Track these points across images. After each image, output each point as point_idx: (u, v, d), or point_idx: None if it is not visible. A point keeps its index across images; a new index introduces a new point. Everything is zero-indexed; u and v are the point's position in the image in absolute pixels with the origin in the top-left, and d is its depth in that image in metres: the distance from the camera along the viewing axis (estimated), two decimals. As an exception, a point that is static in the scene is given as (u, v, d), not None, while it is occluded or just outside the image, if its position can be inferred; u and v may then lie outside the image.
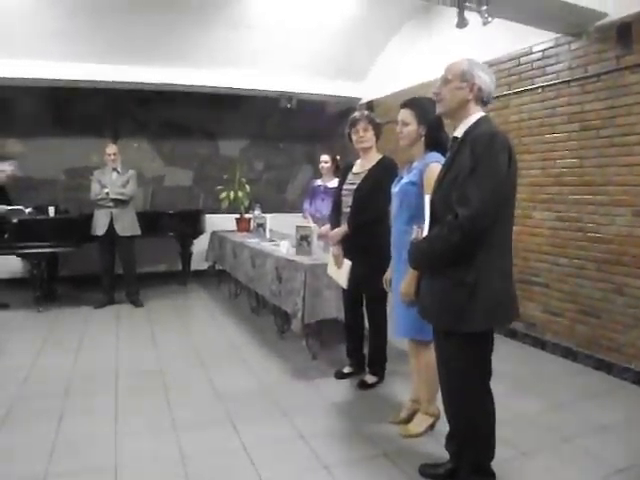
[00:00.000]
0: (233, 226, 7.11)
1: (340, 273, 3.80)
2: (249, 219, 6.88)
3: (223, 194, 7.03)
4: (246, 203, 7.07)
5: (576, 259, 4.37)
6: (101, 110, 7.56)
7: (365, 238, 3.62)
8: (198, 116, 8.06)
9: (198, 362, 4.45)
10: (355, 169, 3.84)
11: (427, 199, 2.33)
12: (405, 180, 3.03)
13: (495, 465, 2.44)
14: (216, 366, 4.34)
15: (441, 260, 2.22)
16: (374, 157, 3.73)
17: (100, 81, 6.71)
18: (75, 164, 7.41)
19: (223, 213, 7.46)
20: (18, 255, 6.17)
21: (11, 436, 3.11)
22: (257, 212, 6.64)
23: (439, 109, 2.40)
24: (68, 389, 3.83)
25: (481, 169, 2.08)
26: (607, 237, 4.10)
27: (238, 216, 7.05)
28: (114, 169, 6.21)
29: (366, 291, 3.75)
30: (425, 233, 2.28)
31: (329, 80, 7.53)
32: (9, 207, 5.89)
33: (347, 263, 3.72)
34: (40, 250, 5.94)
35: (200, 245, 7.66)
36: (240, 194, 7.00)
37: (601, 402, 3.61)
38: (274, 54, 6.87)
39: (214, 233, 7.34)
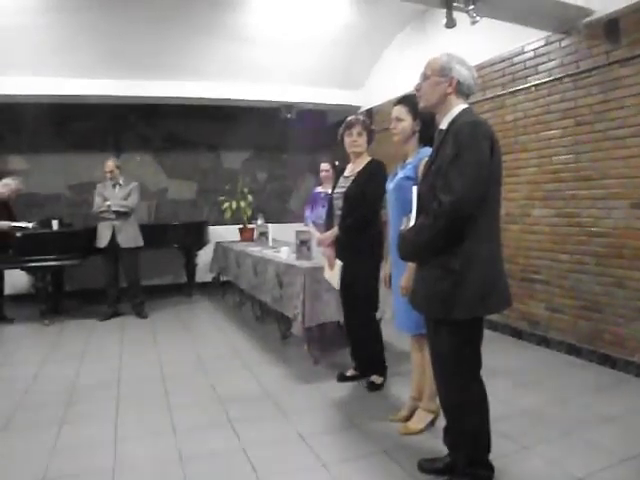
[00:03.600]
0: (237, 236, 7.15)
1: (333, 275, 3.85)
2: (252, 229, 6.92)
3: (225, 205, 7.09)
4: (249, 213, 7.13)
5: (576, 254, 4.36)
6: (104, 125, 7.71)
7: (355, 239, 3.66)
8: (200, 129, 8.18)
9: (200, 369, 4.46)
10: (346, 173, 3.88)
11: (414, 190, 2.35)
12: (400, 175, 3.07)
13: (495, 459, 2.43)
14: (218, 372, 4.36)
15: (428, 249, 2.23)
16: (364, 161, 3.77)
17: (102, 95, 6.81)
18: (79, 179, 7.53)
19: (227, 224, 7.54)
20: (23, 269, 6.22)
21: (12, 442, 3.14)
22: (260, 222, 6.69)
23: (421, 104, 2.44)
24: (70, 397, 3.85)
25: (463, 156, 2.10)
26: (605, 231, 4.09)
27: (241, 226, 7.10)
28: (114, 183, 6.27)
29: (358, 291, 3.77)
30: (412, 224, 2.29)
31: (328, 89, 7.62)
32: (13, 224, 5.97)
33: (338, 264, 3.78)
34: (44, 263, 6.00)
35: (205, 257, 7.71)
36: (242, 204, 7.05)
37: (604, 395, 3.58)
38: (273, 65, 6.94)
39: (218, 244, 7.39)
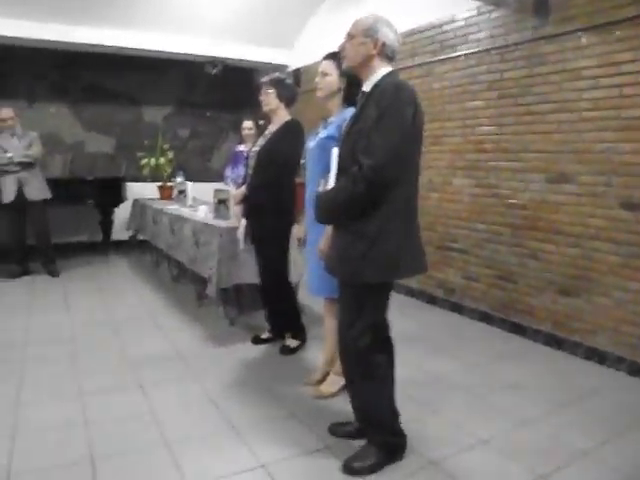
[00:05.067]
0: (156, 194, 6.87)
1: (239, 233, 3.83)
2: (171, 187, 6.66)
3: (144, 161, 6.77)
4: (169, 171, 6.84)
5: (493, 225, 4.45)
6: (16, 70, 7.07)
7: (263, 199, 3.58)
8: (121, 81, 7.71)
9: (112, 330, 4.27)
10: (266, 132, 3.77)
11: (335, 151, 2.27)
12: (322, 135, 2.97)
13: (403, 423, 2.44)
14: (130, 333, 4.19)
15: (345, 212, 2.17)
16: (281, 120, 3.65)
17: (15, 37, 6.25)
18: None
19: (146, 181, 7.21)
20: None
21: None
22: (179, 179, 6.43)
23: (344, 64, 2.37)
24: None
25: (386, 120, 2.04)
26: (522, 203, 4.18)
27: (160, 184, 6.82)
28: (13, 134, 5.80)
29: (263, 250, 3.72)
30: (331, 186, 2.21)
31: (256, 47, 7.37)
32: None
33: (242, 222, 3.77)
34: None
35: (122, 214, 7.37)
36: (162, 161, 6.76)
37: (513, 363, 3.70)
38: (200, 18, 6.63)
39: (136, 201, 7.05)
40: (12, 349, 3.81)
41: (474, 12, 4.55)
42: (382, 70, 2.21)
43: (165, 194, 6.71)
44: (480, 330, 4.43)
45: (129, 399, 3.05)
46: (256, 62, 7.55)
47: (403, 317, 4.58)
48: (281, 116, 3.66)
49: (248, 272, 4.17)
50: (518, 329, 4.25)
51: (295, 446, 2.53)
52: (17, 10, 5.96)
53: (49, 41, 6.43)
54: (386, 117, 2.04)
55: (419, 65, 5.13)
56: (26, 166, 5.74)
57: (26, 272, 6.09)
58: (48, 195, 5.97)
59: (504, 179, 4.33)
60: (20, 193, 5.73)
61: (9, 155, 5.64)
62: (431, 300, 5.12)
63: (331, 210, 2.22)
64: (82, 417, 2.81)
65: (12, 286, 5.68)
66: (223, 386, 3.23)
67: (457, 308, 4.84)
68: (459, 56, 4.68)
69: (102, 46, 6.72)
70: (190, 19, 6.63)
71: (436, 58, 4.94)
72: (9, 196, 5.70)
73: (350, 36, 2.25)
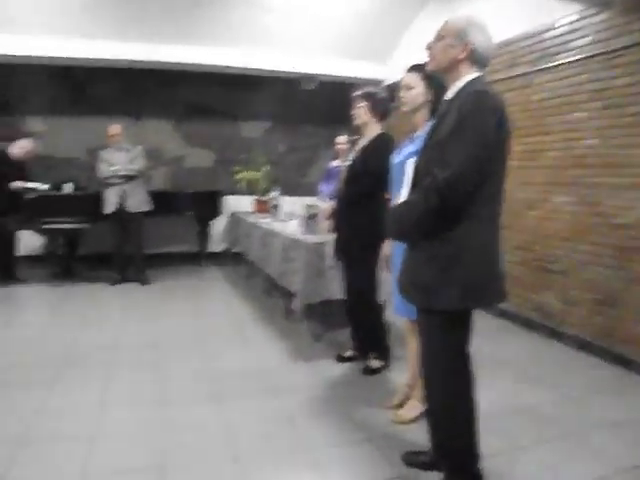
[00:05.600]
0: (252, 208, 7.02)
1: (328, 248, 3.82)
2: (266, 201, 6.77)
3: (240, 175, 6.94)
4: (264, 185, 6.96)
5: (595, 245, 4.12)
6: (124, 89, 7.57)
7: (352, 214, 3.53)
8: (221, 97, 8.00)
9: (199, 340, 4.39)
10: (357, 146, 3.72)
11: (410, 163, 2.17)
12: (408, 150, 2.87)
13: (484, 458, 2.27)
14: (215, 344, 4.29)
15: (416, 228, 2.04)
16: (372, 134, 3.58)
17: (121, 60, 6.69)
18: (97, 143, 7.38)
19: (243, 195, 7.38)
20: (35, 230, 6.21)
21: (4, 401, 3.14)
22: (274, 193, 6.54)
23: (429, 66, 2.21)
24: (65, 360, 3.83)
25: (464, 130, 1.90)
26: (628, 223, 3.84)
27: (256, 197, 6.96)
28: (119, 148, 6.17)
29: (351, 267, 3.66)
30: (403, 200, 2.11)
31: (351, 61, 7.36)
32: (26, 184, 5.95)
33: (331, 237, 3.76)
34: (54, 226, 5.99)
35: (219, 226, 7.61)
36: (257, 175, 6.90)
37: (614, 398, 3.38)
38: (295, 34, 6.76)
39: (232, 214, 7.27)
40: (104, 353, 4.01)
41: (575, 17, 4.26)
42: (468, 76, 2.07)
43: (260, 208, 6.83)
44: (578, 359, 4.11)
45: (207, 410, 3.10)
46: (351, 77, 7.54)
47: (493, 341, 4.36)
48: (372, 130, 3.60)
49: (335, 288, 4.13)
50: (621, 360, 3.88)
51: (367, 473, 2.45)
52: (129, 33, 6.37)
53: (156, 62, 6.80)
54: (464, 126, 1.91)
55: (518, 76, 4.88)
56: (129, 179, 6.07)
57: (125, 279, 6.41)
58: (148, 208, 6.29)
59: (608, 196, 4.00)
60: (121, 205, 6.06)
61: (113, 168, 6.00)
62: (525, 324, 4.83)
63: (401, 226, 2.10)
64: (159, 424, 2.90)
65: (110, 292, 6.03)
66: (301, 404, 3.19)
67: (554, 334, 4.52)
68: (560, 65, 4.40)
69: (203, 65, 7.01)
70: (286, 37, 6.76)
71: (535, 68, 4.68)
72: (111, 207, 6.07)
73: (439, 36, 2.13)
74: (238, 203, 7.55)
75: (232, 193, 7.74)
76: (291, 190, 7.38)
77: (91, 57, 6.51)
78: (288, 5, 6.25)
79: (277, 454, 2.62)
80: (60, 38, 6.25)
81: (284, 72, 7.37)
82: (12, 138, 6.27)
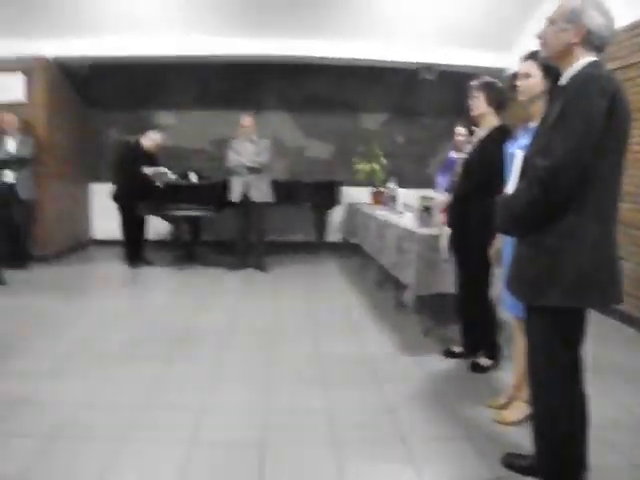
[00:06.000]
0: (369, 199, 7.05)
1: (442, 242, 3.68)
2: (383, 192, 6.77)
3: (359, 166, 6.99)
4: (382, 176, 6.96)
5: None
6: (245, 83, 7.93)
7: (468, 208, 3.42)
8: (340, 89, 8.11)
9: (310, 326, 4.52)
10: (474, 138, 3.61)
11: (518, 154, 2.08)
12: (522, 142, 2.75)
13: (597, 471, 2.14)
14: (325, 331, 4.39)
15: (521, 220, 1.96)
16: (489, 125, 3.45)
17: (244, 55, 6.98)
18: (220, 135, 7.82)
19: (361, 186, 7.43)
20: (162, 217, 6.68)
21: (121, 371, 3.45)
22: (392, 185, 6.51)
23: (542, 53, 2.10)
24: (184, 337, 4.14)
25: (568, 116, 1.79)
26: None
27: (373, 189, 6.98)
28: (249, 139, 6.43)
29: (465, 261, 3.55)
30: (510, 191, 2.03)
31: (471, 50, 7.10)
32: (156, 169, 6.44)
33: (445, 231, 3.62)
34: (180, 212, 6.42)
35: (336, 217, 7.73)
36: (376, 167, 6.91)
37: None
38: (415, 24, 6.65)
39: (349, 205, 7.35)
40: (217, 332, 4.29)
41: None
42: (583, 60, 1.93)
43: (377, 199, 6.84)
44: None
45: (311, 394, 3.20)
46: (472, 66, 7.28)
47: (611, 346, 4.06)
48: (490, 121, 3.48)
49: (448, 282, 4.06)
50: None
51: (462, 472, 2.40)
52: (252, 30, 6.65)
53: (277, 56, 7.04)
54: (568, 113, 1.80)
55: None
56: (253, 171, 6.33)
57: (245, 265, 6.70)
58: (270, 198, 6.53)
59: None
60: (245, 194, 6.34)
61: (240, 159, 6.27)
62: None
63: (507, 218, 2.03)
64: (263, 403, 3.05)
65: (230, 277, 6.36)
66: (404, 396, 3.18)
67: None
68: None
69: (322, 58, 7.14)
70: (405, 26, 6.68)
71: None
72: (236, 196, 6.36)
73: (551, 21, 2.00)
74: (356, 194, 7.62)
75: (350, 184, 7.81)
76: (409, 182, 7.28)
77: (218, 54, 6.87)
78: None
79: (374, 443, 2.64)
80: (187, 37, 6.69)
81: (403, 63, 7.29)
82: (144, 130, 6.80)
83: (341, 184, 7.77)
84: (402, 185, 6.41)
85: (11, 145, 6.32)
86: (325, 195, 7.56)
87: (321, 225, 7.82)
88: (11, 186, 6.26)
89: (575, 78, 1.90)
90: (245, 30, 6.63)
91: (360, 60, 7.21)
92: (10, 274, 5.87)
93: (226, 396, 3.13)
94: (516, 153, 2.14)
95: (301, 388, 3.27)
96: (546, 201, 1.85)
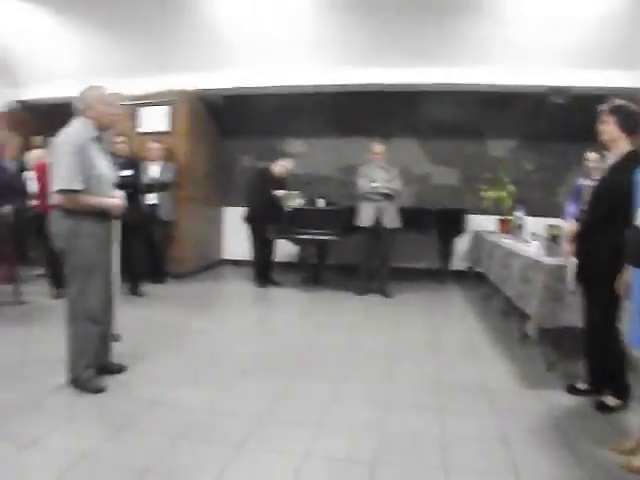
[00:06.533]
0: (495, 227, 6.89)
1: (569, 273, 3.54)
2: (510, 220, 6.59)
3: (485, 193, 6.87)
4: (509, 204, 6.78)
5: None
6: (373, 112, 8.13)
7: (594, 237, 3.28)
8: (466, 116, 8.05)
9: (430, 352, 4.54)
10: (605, 165, 3.45)
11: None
12: None
13: None
14: (447, 358, 4.40)
15: None
16: (621, 151, 3.28)
17: (372, 84, 7.21)
18: (347, 162, 8.07)
19: (488, 214, 7.28)
20: (290, 240, 6.98)
21: (244, 383, 3.73)
22: (519, 213, 6.33)
23: None
24: (305, 355, 4.37)
25: None
26: None
27: (500, 217, 6.82)
28: (380, 166, 6.57)
29: (592, 293, 3.35)
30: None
31: (602, 71, 6.73)
32: (286, 192, 6.84)
33: (572, 262, 3.47)
34: (307, 237, 6.70)
35: (461, 245, 7.63)
36: (503, 194, 6.75)
37: None
38: (539, 47, 6.51)
39: (476, 233, 7.23)
40: (338, 353, 4.46)
41: None
42: None
43: (504, 227, 6.68)
44: None
45: (425, 418, 3.21)
46: (604, 87, 6.89)
47: None
48: (621, 147, 3.31)
49: (574, 315, 3.88)
50: None
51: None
52: (370, 60, 6.90)
53: (405, 84, 7.19)
54: None
55: None
56: (386, 197, 6.47)
57: (370, 290, 6.81)
58: (399, 225, 6.63)
59: None
60: (377, 219, 6.47)
61: (374, 185, 6.45)
62: None
63: (634, 249, 1.94)
64: (376, 423, 3.13)
65: (353, 300, 6.53)
66: (522, 429, 3.08)
67: None
68: None
69: (448, 84, 7.17)
70: (533, 49, 6.54)
71: None
72: (367, 221, 6.53)
73: None
74: (482, 222, 7.49)
75: (477, 212, 7.67)
76: (538, 210, 7.03)
77: (347, 83, 7.18)
78: (528, 17, 6.12)
79: (484, 474, 2.59)
80: (318, 66, 7.06)
81: (532, 87, 7.12)
82: (275, 157, 7.18)
83: (467, 212, 7.68)
84: (530, 213, 6.23)
85: (155, 170, 6.95)
86: (451, 222, 7.50)
87: (446, 253, 7.73)
88: (153, 207, 6.85)
89: None
90: (374, 60, 6.87)
91: (487, 85, 7.14)
92: (149, 288, 6.44)
93: (341, 414, 3.24)
94: None
95: (416, 412, 3.29)
96: None
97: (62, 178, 3.26)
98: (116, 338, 3.83)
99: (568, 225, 4.12)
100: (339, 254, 7.73)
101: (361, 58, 6.81)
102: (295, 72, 7.09)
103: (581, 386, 3.64)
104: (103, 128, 3.53)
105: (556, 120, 7.83)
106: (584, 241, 3.41)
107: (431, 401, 3.47)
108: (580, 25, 6.23)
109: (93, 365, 3.50)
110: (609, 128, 3.31)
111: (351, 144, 8.03)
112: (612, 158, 3.35)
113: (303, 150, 8.41)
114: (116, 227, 3.63)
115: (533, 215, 6.29)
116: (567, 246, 3.61)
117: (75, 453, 2.64)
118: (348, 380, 3.82)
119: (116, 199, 3.54)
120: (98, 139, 3.48)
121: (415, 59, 6.76)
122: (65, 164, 3.26)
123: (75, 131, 3.38)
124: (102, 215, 3.45)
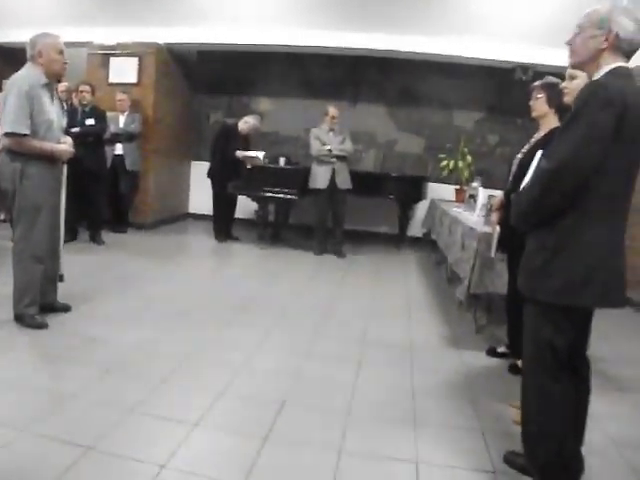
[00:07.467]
0: (453, 196, 7.06)
1: (492, 240, 3.69)
2: (465, 190, 6.75)
3: (444, 162, 7.01)
4: (467, 174, 6.93)
5: None
6: (342, 75, 8.16)
7: None
8: (433, 85, 8.09)
9: (366, 312, 4.69)
10: (532, 140, 3.59)
11: (538, 154, 2.17)
12: None
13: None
14: (380, 318, 4.55)
15: (526, 216, 2.05)
16: (548, 127, 3.39)
17: (342, 48, 7.19)
18: (314, 124, 8.06)
19: (449, 183, 7.44)
20: (250, 197, 7.09)
21: (182, 327, 3.85)
22: (475, 184, 6.47)
23: (570, 60, 2.13)
24: (246, 305, 4.55)
25: (573, 122, 1.85)
26: None
27: (457, 187, 6.98)
28: (331, 129, 6.67)
29: (514, 261, 3.55)
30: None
31: (566, 49, 6.79)
32: (246, 153, 6.84)
33: (496, 229, 3.62)
34: (266, 194, 6.78)
35: (420, 212, 7.79)
36: (460, 164, 6.89)
37: None
38: (510, 22, 6.51)
39: (432, 201, 7.37)
40: (278, 305, 4.62)
41: None
42: (607, 66, 1.94)
43: (459, 197, 6.85)
44: None
45: (343, 369, 3.37)
46: (567, 67, 7.01)
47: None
48: (549, 123, 3.43)
49: (503, 283, 4.06)
50: None
51: (461, 459, 2.45)
52: (351, 24, 6.84)
53: (374, 50, 7.18)
54: (573, 119, 1.86)
55: None
56: (340, 159, 6.56)
57: (325, 251, 6.96)
58: (350, 186, 6.75)
59: None
60: (332, 182, 6.58)
61: (328, 147, 6.53)
62: None
63: (516, 214, 2.12)
64: (294, 370, 3.29)
65: (305, 259, 6.68)
66: (433, 384, 3.26)
67: None
68: None
69: (417, 53, 7.15)
70: (500, 24, 6.54)
71: None
72: (322, 183, 6.61)
73: (580, 28, 2.02)
74: (441, 191, 7.62)
75: (438, 181, 7.82)
76: (499, 183, 7.19)
77: (315, 45, 7.13)
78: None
79: (387, 421, 2.76)
80: (290, 28, 6.98)
81: (497, 61, 7.16)
82: (244, 114, 7.22)
83: (428, 180, 7.80)
84: (488, 185, 6.34)
85: (122, 121, 6.96)
86: (410, 189, 7.60)
87: (404, 219, 7.88)
88: (120, 158, 6.89)
89: (588, 86, 1.94)
90: (346, 24, 6.81)
91: (457, 57, 7.15)
92: (109, 236, 6.53)
93: (265, 360, 3.42)
94: (538, 154, 2.20)
95: (336, 363, 3.45)
96: (543, 201, 1.92)
97: (9, 122, 3.31)
98: (61, 278, 3.94)
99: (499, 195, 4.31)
100: (301, 214, 7.84)
101: (332, 22, 6.76)
102: (267, 32, 7.02)
103: (501, 349, 3.84)
104: (53, 76, 3.56)
105: (521, 96, 7.92)
106: (507, 212, 3.57)
107: (352, 354, 3.62)
108: (546, 3, 6.28)
109: (37, 303, 3.61)
110: (538, 104, 3.43)
111: (318, 106, 8.03)
112: (539, 133, 3.47)
113: (271, 108, 8.43)
114: (64, 172, 3.72)
115: (492, 187, 6.44)
116: (494, 215, 3.78)
117: (2, 379, 2.79)
118: (278, 330, 4.00)
119: (64, 145, 3.61)
120: (48, 86, 3.52)
121: (386, 26, 6.73)
122: (12, 108, 3.30)
123: (23, 76, 3.41)
124: (50, 159, 3.51)
